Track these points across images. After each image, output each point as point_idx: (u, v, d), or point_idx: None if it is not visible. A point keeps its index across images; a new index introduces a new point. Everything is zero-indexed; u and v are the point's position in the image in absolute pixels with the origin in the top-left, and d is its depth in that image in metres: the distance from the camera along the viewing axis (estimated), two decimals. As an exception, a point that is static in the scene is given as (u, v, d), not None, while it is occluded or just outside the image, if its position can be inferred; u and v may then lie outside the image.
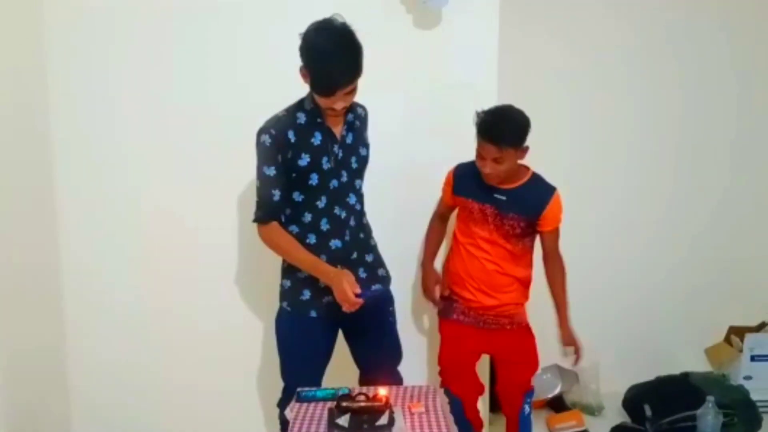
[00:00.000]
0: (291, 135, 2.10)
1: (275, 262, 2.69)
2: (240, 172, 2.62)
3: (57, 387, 2.75)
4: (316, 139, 2.12)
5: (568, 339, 2.42)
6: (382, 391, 1.94)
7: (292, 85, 2.29)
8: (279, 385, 2.29)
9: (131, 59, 2.63)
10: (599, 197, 3.17)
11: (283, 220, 2.17)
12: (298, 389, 2.06)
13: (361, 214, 2.27)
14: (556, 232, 2.37)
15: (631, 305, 3.23)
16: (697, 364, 3.15)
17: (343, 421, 1.85)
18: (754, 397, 2.85)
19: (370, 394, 1.93)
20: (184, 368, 2.78)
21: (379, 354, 2.32)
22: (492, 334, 2.41)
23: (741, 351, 3.08)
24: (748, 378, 3.03)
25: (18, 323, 2.42)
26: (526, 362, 2.45)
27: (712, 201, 3.25)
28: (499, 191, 2.30)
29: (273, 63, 2.57)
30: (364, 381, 2.33)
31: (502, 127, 2.22)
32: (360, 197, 2.26)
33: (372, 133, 2.31)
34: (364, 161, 2.25)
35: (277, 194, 2.11)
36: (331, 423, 1.86)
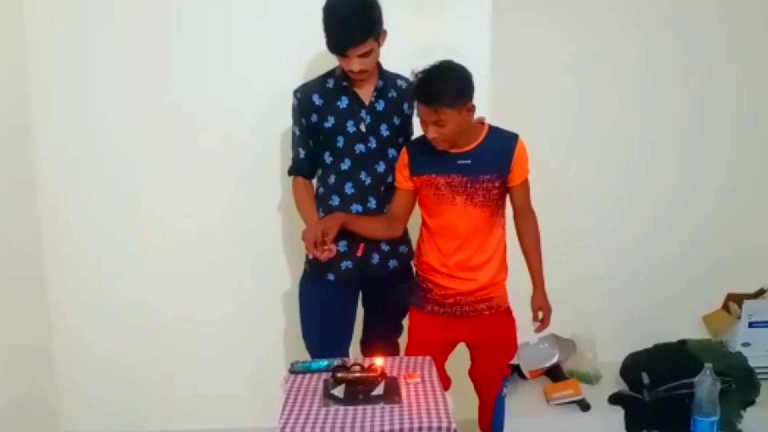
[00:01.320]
0: (316, 98, 2.18)
1: (271, 255, 2.71)
2: (238, 165, 2.67)
3: (49, 381, 2.76)
4: (342, 103, 2.19)
5: (540, 302, 2.27)
6: (378, 362, 1.93)
7: (291, 81, 2.35)
8: (277, 374, 2.28)
9: (128, 54, 2.63)
10: (603, 170, 3.14)
11: (315, 178, 2.32)
12: (292, 362, 2.05)
13: (392, 184, 2.29)
14: (526, 185, 2.20)
15: (628, 273, 3.20)
16: (695, 331, 3.13)
17: (339, 392, 1.84)
18: (752, 363, 2.82)
19: (366, 365, 1.92)
20: (177, 362, 2.82)
21: (384, 323, 2.39)
22: (469, 322, 2.25)
23: (739, 318, 3.05)
24: (746, 345, 3.01)
25: (10, 319, 2.42)
26: (504, 349, 2.33)
27: (713, 175, 3.21)
28: (461, 156, 2.13)
29: (272, 58, 2.59)
30: (364, 344, 2.43)
31: (436, 87, 2.02)
32: (393, 167, 2.27)
33: None
34: (397, 130, 2.27)
35: (301, 152, 2.27)
36: (327, 394, 1.85)
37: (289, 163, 2.36)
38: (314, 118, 2.20)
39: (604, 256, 3.18)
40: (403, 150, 2.23)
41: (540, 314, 2.29)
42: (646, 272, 3.21)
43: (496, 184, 2.15)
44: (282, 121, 2.46)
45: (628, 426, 2.76)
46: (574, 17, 3.00)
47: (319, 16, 2.10)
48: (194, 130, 2.65)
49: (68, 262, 2.72)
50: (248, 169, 2.68)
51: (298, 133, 2.26)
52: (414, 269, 2.37)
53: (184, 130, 2.65)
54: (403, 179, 2.23)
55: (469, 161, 2.13)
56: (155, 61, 2.61)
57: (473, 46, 2.57)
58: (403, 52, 2.44)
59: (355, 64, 2.08)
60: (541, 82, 3.00)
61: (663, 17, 3.03)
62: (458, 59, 2.46)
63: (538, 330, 2.32)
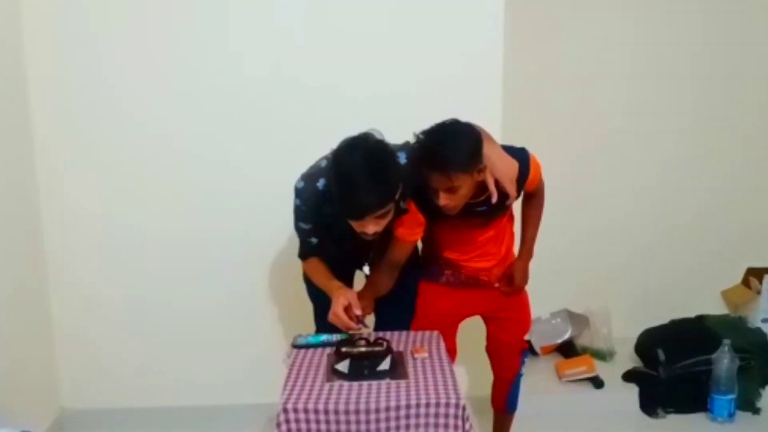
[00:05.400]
0: (327, 207, 2.00)
1: (271, 248, 2.65)
2: (237, 164, 2.60)
3: (48, 362, 2.73)
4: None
5: (522, 275, 2.19)
6: (384, 336, 1.87)
7: (292, 81, 2.39)
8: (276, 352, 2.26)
9: (124, 49, 2.54)
10: (621, 150, 3.11)
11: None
12: (295, 335, 2.00)
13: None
14: (541, 183, 2.13)
15: (645, 247, 3.15)
16: (713, 306, 3.09)
17: (343, 367, 1.78)
18: (772, 340, 2.78)
19: (371, 339, 1.86)
20: (175, 343, 2.76)
21: (396, 308, 2.26)
22: (483, 293, 2.21)
23: (759, 293, 3.01)
24: (766, 321, 2.96)
25: (9, 313, 2.39)
26: (519, 316, 2.28)
27: (731, 147, 3.15)
28: (479, 204, 2.00)
29: (276, 62, 2.51)
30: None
31: (448, 152, 1.83)
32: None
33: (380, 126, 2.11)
34: None
35: (314, 241, 2.13)
36: (331, 369, 1.79)
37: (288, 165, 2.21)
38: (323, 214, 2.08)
39: (619, 230, 3.12)
40: (416, 212, 2.02)
41: (515, 280, 2.20)
42: (663, 245, 3.15)
43: (513, 207, 2.13)
44: (278, 121, 2.49)
45: (642, 404, 2.72)
46: (579, 22, 2.97)
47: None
48: (192, 131, 2.60)
49: (66, 260, 2.69)
50: (248, 167, 2.62)
51: (309, 227, 2.10)
52: (421, 249, 2.29)
53: (183, 132, 2.60)
54: (414, 234, 2.08)
55: (485, 208, 2.00)
56: (153, 58, 2.54)
57: (488, 45, 2.49)
58: (408, 55, 2.43)
59: (371, 227, 1.89)
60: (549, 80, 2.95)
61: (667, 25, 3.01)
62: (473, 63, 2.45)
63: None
